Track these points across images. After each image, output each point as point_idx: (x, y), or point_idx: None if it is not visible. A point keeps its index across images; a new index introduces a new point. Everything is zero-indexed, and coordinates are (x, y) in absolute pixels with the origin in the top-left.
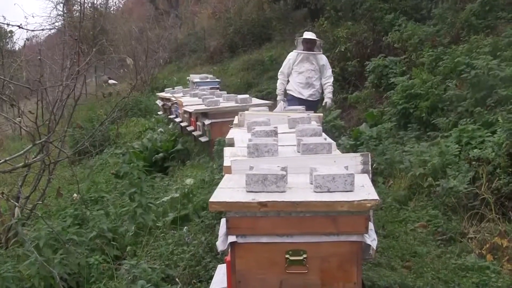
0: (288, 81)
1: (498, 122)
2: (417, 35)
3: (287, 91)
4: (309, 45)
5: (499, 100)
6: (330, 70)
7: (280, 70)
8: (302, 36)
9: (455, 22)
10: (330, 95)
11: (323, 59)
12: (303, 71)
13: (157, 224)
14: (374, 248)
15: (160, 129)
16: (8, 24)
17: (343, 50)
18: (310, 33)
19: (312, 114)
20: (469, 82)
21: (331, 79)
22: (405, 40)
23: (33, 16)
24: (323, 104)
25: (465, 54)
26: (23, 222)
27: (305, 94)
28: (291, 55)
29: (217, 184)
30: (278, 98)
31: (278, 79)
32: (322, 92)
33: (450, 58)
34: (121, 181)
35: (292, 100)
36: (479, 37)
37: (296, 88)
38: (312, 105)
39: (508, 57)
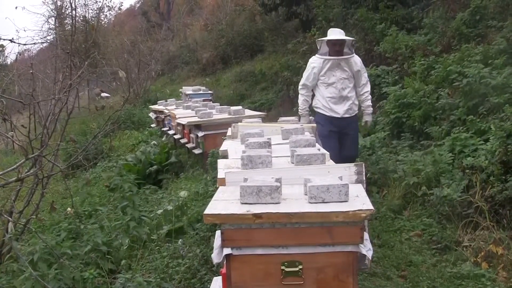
0: (311, 96)
1: (491, 130)
2: (408, 44)
3: (315, 109)
4: (338, 47)
5: (491, 108)
6: (366, 74)
7: (301, 83)
8: (326, 36)
9: (446, 31)
10: (370, 110)
11: (357, 62)
12: (334, 81)
13: (151, 237)
14: (370, 258)
15: (154, 141)
16: None
17: None
18: (337, 30)
19: (305, 124)
20: (461, 91)
21: (369, 87)
22: (396, 49)
23: (24, 30)
24: (363, 122)
25: (456, 62)
26: (16, 237)
27: (340, 110)
28: (315, 63)
29: (211, 196)
30: (303, 120)
31: (299, 94)
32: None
33: (441, 67)
34: (114, 195)
35: (322, 120)
36: (470, 45)
37: (326, 104)
38: (351, 122)
39: (499, 65)
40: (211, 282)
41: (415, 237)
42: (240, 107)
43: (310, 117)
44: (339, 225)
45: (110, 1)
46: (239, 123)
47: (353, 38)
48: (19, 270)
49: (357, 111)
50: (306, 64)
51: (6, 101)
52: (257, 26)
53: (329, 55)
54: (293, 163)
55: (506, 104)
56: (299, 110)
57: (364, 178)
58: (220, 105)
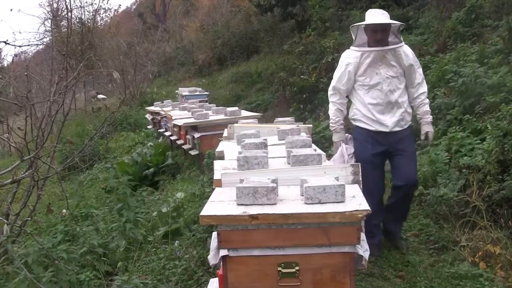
0: (346, 104)
1: (487, 129)
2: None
3: (352, 122)
4: (380, 34)
5: (487, 107)
6: (421, 69)
7: (331, 86)
8: (363, 21)
9: (442, 30)
10: (429, 117)
11: (408, 54)
12: (378, 82)
13: (148, 239)
14: (367, 258)
15: (150, 143)
16: None
17: (330, 60)
18: (379, 11)
19: (301, 125)
20: (457, 90)
21: (425, 87)
22: None
23: (20, 32)
24: (422, 135)
25: (452, 62)
26: (13, 240)
27: (389, 122)
28: (350, 57)
29: (207, 197)
30: (336, 137)
31: (330, 102)
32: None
33: (437, 67)
34: (110, 196)
35: (363, 137)
36: (465, 45)
37: (368, 114)
38: (405, 137)
39: (495, 65)
40: (207, 284)
41: (412, 237)
42: (236, 108)
43: (347, 134)
44: (335, 225)
45: (107, 3)
46: (235, 124)
47: (400, 23)
48: (14, 273)
49: (410, 122)
50: (302, 65)
51: (2, 103)
52: (253, 27)
53: (369, 45)
54: (289, 163)
55: (502, 103)
56: (330, 124)
57: (360, 179)
58: (216, 106)
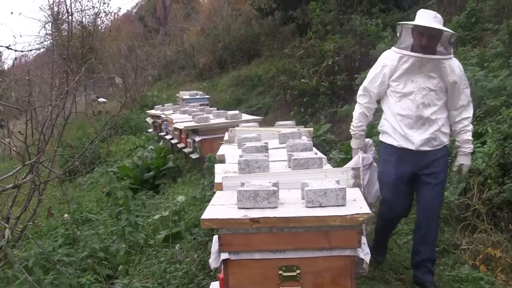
0: (375, 110)
1: (488, 133)
2: None
3: (380, 135)
4: (427, 40)
5: (488, 110)
6: (469, 90)
7: (362, 86)
8: (412, 21)
9: None
10: (469, 147)
11: (454, 69)
12: (411, 91)
13: (149, 242)
14: (367, 262)
15: (151, 146)
16: None
17: (330, 63)
18: (431, 14)
19: (302, 128)
20: None
21: (471, 111)
22: None
23: (20, 36)
24: (455, 166)
25: None
26: (13, 244)
27: (416, 139)
28: (388, 58)
29: (208, 201)
30: (355, 143)
31: (357, 103)
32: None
33: None
34: (110, 200)
35: (388, 153)
36: (466, 48)
37: (396, 126)
38: (434, 161)
39: (495, 68)
40: (208, 287)
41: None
42: (237, 112)
43: (367, 140)
44: (336, 229)
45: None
46: (236, 128)
47: (453, 32)
48: (15, 277)
49: (446, 144)
50: (303, 68)
51: (3, 107)
52: (254, 30)
53: (412, 50)
54: (290, 167)
55: (502, 106)
56: (351, 128)
57: (361, 182)
58: (217, 110)
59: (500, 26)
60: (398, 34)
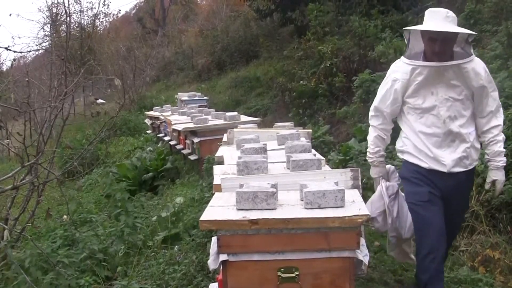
0: (391, 130)
1: None
2: (403, 49)
3: (399, 154)
4: (440, 45)
5: None
6: (497, 93)
7: (373, 106)
8: (419, 25)
9: None
10: (501, 160)
11: (479, 72)
12: (434, 105)
13: (147, 244)
14: (366, 263)
15: (149, 148)
16: None
17: (328, 65)
18: (442, 12)
19: (301, 130)
20: None
21: (501, 118)
22: (391, 54)
23: (19, 37)
24: (488, 183)
25: None
26: (12, 245)
27: (448, 159)
28: (397, 72)
29: (207, 202)
30: (374, 171)
31: (370, 126)
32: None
33: None
34: (109, 201)
35: (413, 175)
36: None
37: (420, 146)
38: (464, 185)
39: (494, 70)
40: None
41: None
42: (235, 113)
43: (389, 166)
44: (335, 230)
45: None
46: (235, 129)
47: (470, 32)
48: (14, 278)
49: (477, 161)
50: (301, 70)
51: (2, 108)
52: (252, 32)
53: (425, 58)
54: (289, 168)
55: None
56: (368, 155)
57: (360, 183)
58: (216, 111)
59: (498, 27)
60: (405, 39)
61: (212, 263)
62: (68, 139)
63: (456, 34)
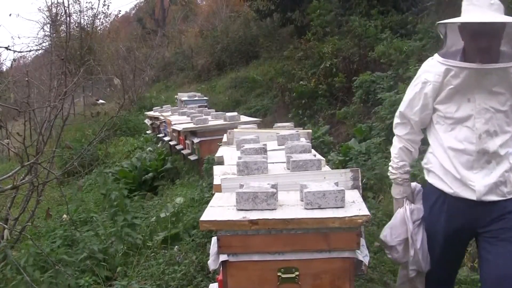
0: (420, 142)
1: None
2: (403, 50)
3: (425, 173)
4: (486, 40)
5: None
6: None
7: (398, 112)
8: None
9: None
10: None
11: None
12: (469, 115)
13: (147, 244)
14: (366, 263)
15: (149, 148)
16: None
17: (328, 65)
18: (485, 1)
19: (301, 130)
20: None
21: None
22: (391, 55)
23: (19, 37)
24: None
25: None
26: (11, 245)
27: (479, 184)
28: (429, 73)
29: (207, 202)
30: (397, 191)
31: (395, 136)
32: None
33: None
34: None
35: (435, 199)
36: None
37: (447, 165)
38: (505, 216)
39: None
40: None
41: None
42: (235, 113)
43: (414, 185)
44: (335, 231)
45: (107, 8)
46: (235, 129)
47: None
48: (13, 277)
49: None
50: (301, 70)
51: (2, 108)
52: (252, 32)
53: (464, 57)
54: (289, 169)
55: None
56: (390, 171)
57: (360, 184)
58: (216, 111)
59: None
60: (441, 35)
61: (212, 264)
62: (68, 139)
63: (503, 26)
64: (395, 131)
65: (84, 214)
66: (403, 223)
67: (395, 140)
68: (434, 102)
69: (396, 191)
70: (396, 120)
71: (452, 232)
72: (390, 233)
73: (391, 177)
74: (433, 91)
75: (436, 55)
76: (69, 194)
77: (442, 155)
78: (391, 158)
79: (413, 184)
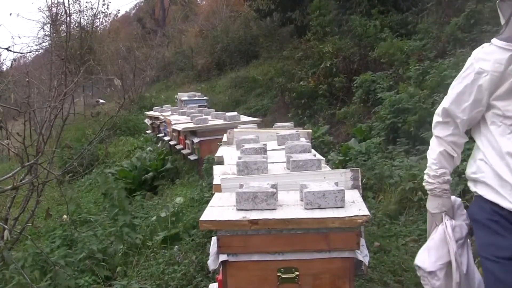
0: (463, 146)
1: None
2: (403, 49)
3: (471, 185)
4: None
5: None
6: None
7: (441, 108)
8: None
9: (441, 36)
10: None
11: None
12: None
13: (147, 244)
14: (366, 263)
15: (149, 148)
16: None
17: (328, 65)
18: None
19: (301, 130)
20: None
21: None
22: (391, 54)
23: (19, 37)
24: None
25: (451, 67)
26: (10, 246)
27: None
28: (485, 61)
29: (207, 202)
30: (434, 204)
31: (433, 136)
32: None
33: (436, 72)
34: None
35: (488, 214)
36: (465, 50)
37: (504, 174)
38: None
39: None
40: None
41: (411, 243)
42: (235, 113)
43: (454, 198)
44: (335, 231)
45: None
46: (235, 129)
47: None
48: (12, 278)
49: None
50: (301, 70)
51: (2, 109)
52: (252, 32)
53: None
54: (288, 169)
55: None
56: (426, 179)
57: (360, 184)
58: (216, 111)
59: (499, 27)
60: (501, 16)
61: (212, 264)
62: (68, 139)
63: None
64: (435, 131)
65: (84, 214)
66: (444, 243)
67: (433, 142)
68: (491, 97)
69: (433, 205)
70: (437, 118)
71: (510, 255)
72: (428, 256)
73: (427, 187)
74: (491, 83)
75: (494, 39)
76: (69, 194)
77: (498, 162)
78: (427, 165)
79: (453, 197)
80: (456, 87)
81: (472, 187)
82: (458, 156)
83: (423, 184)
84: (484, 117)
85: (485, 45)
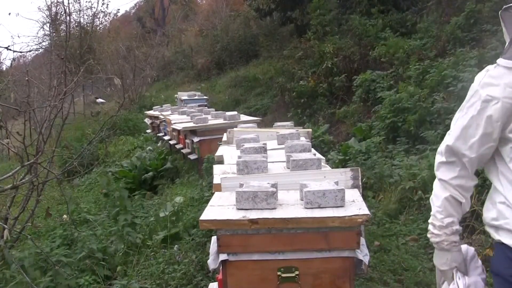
0: (473, 189)
1: None
2: (403, 49)
3: (491, 231)
4: None
5: None
6: None
7: (444, 145)
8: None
9: (441, 35)
10: None
11: None
12: None
13: (147, 243)
14: (366, 263)
15: (149, 147)
16: None
17: (329, 65)
18: None
19: (301, 129)
20: (456, 95)
21: None
22: (392, 54)
23: (19, 36)
24: None
25: (451, 67)
26: (11, 245)
27: None
28: (493, 87)
29: (207, 201)
30: (443, 259)
31: (437, 180)
32: None
33: (436, 71)
34: (108, 201)
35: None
36: (464, 49)
37: None
38: None
39: None
40: None
41: (411, 242)
42: (235, 113)
43: (465, 247)
44: (335, 230)
45: (106, 7)
46: (235, 129)
47: None
48: (12, 278)
49: None
50: (301, 70)
51: (2, 108)
52: (252, 31)
53: None
54: (288, 168)
55: None
56: (430, 231)
57: (360, 183)
58: (215, 111)
59: (498, 27)
60: (506, 33)
61: (212, 263)
62: (68, 139)
63: None
64: (438, 173)
65: (84, 213)
66: None
67: (437, 187)
68: (507, 130)
69: (441, 260)
70: (440, 158)
71: None
72: None
73: (432, 240)
74: (503, 112)
75: (500, 60)
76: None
77: None
78: (431, 213)
79: (464, 246)
80: (460, 120)
81: (495, 234)
82: (467, 201)
83: (428, 235)
84: (499, 153)
85: (489, 67)
